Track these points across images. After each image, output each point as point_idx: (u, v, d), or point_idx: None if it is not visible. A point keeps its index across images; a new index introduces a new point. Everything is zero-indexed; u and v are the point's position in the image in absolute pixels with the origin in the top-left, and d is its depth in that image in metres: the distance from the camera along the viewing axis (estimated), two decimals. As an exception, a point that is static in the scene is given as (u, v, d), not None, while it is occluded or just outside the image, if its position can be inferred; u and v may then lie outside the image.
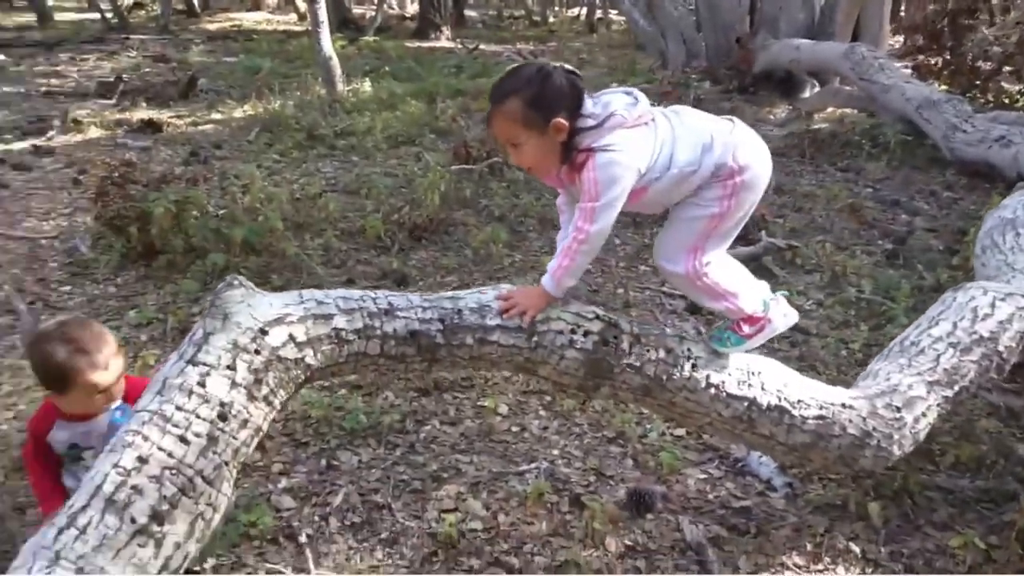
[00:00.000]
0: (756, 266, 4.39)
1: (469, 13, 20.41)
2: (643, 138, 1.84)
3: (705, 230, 1.90)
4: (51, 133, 7.44)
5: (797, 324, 3.51)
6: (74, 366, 1.79)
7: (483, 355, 1.92)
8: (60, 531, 1.47)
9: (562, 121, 1.79)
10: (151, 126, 7.60)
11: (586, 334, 1.95)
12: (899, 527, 2.39)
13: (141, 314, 3.81)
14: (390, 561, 2.27)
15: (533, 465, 2.71)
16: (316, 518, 2.45)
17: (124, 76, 9.76)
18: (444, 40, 14.91)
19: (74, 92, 9.36)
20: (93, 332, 1.85)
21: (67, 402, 1.86)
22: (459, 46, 13.96)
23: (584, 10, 20.45)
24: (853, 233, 4.89)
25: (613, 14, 19.60)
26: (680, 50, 10.41)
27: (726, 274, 1.98)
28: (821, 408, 2.09)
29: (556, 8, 22.81)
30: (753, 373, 2.07)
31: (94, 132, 7.53)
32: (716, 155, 1.86)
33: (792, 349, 3.43)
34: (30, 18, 17.06)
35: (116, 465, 1.51)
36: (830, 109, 8.02)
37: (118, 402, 1.90)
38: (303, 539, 2.34)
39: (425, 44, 13.79)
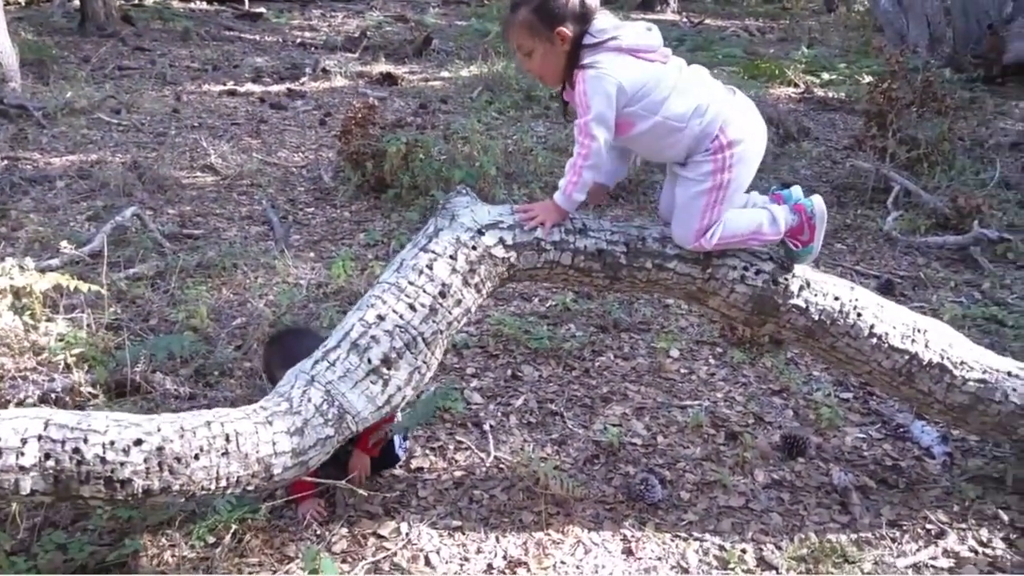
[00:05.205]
0: (963, 255, 4.26)
1: (701, -14, 20.00)
2: (634, 65, 1.95)
3: (706, 205, 2.02)
4: (303, 79, 8.44)
5: (993, 315, 3.48)
6: None
7: (659, 280, 2.17)
8: (316, 362, 1.93)
9: (565, 31, 1.95)
10: (388, 79, 8.39)
11: (757, 272, 2.14)
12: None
13: (369, 236, 4.40)
14: (557, 457, 2.60)
15: (696, 402, 2.93)
16: (499, 414, 2.84)
17: (367, 33, 10.75)
18: (670, 13, 14.84)
19: (324, 45, 10.45)
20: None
21: None
22: (683, 19, 13.88)
23: (824, -13, 19.28)
24: (1081, 236, 4.54)
25: (854, -8, 18.41)
26: (923, 34, 9.75)
27: (733, 223, 2.07)
28: (985, 372, 2.15)
29: (794, -15, 21.66)
30: (919, 330, 2.17)
31: (339, 81, 8.43)
32: (705, 122, 1.97)
33: (983, 337, 3.35)
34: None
35: (361, 319, 1.94)
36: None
37: None
38: (487, 428, 2.73)
39: (649, 16, 13.83)
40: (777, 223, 2.10)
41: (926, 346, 2.15)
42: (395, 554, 2.16)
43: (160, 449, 1.63)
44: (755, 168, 2.08)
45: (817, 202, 2.14)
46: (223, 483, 1.71)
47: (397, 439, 2.50)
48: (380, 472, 2.48)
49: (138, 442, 1.62)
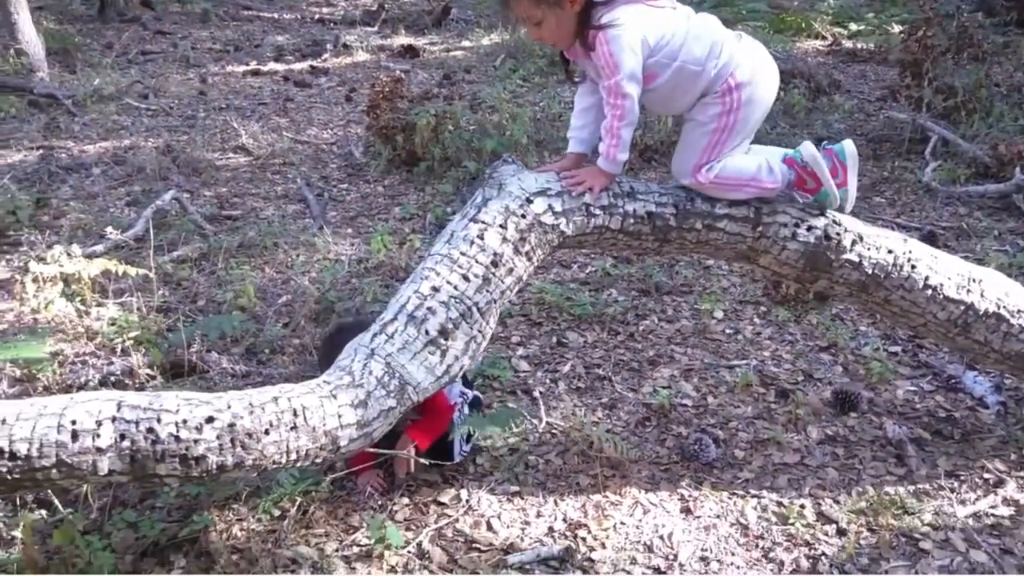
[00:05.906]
0: (1005, 203, 4.19)
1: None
2: (652, 15, 1.92)
3: (710, 143, 2.01)
4: (325, 55, 8.42)
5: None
6: None
7: (709, 240, 2.16)
8: (374, 335, 1.95)
9: None
10: (410, 51, 8.35)
11: (809, 228, 2.13)
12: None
13: (405, 209, 4.42)
14: (609, 420, 2.62)
15: (743, 362, 2.93)
16: (547, 381, 2.86)
17: (385, 5, 10.68)
18: (685, -30, 14.57)
19: (342, 20, 10.41)
20: None
21: None
22: (700, -24, 13.63)
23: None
24: None
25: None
26: (952, -24, 9.49)
27: (735, 164, 2.05)
28: (1044, 320, 2.12)
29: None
30: (974, 280, 2.14)
31: (361, 56, 8.41)
32: (720, 64, 1.94)
33: (1032, 286, 3.31)
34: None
35: (416, 291, 1.96)
36: None
37: None
38: (536, 394, 2.75)
39: (665, -26, 13.57)
40: (774, 172, 2.08)
41: (982, 295, 2.13)
42: (457, 520, 2.20)
43: (232, 426, 1.66)
44: (764, 110, 2.06)
45: (806, 151, 2.06)
46: (293, 456, 1.75)
47: (457, 443, 2.37)
48: (432, 463, 2.29)
49: (210, 419, 1.65)
